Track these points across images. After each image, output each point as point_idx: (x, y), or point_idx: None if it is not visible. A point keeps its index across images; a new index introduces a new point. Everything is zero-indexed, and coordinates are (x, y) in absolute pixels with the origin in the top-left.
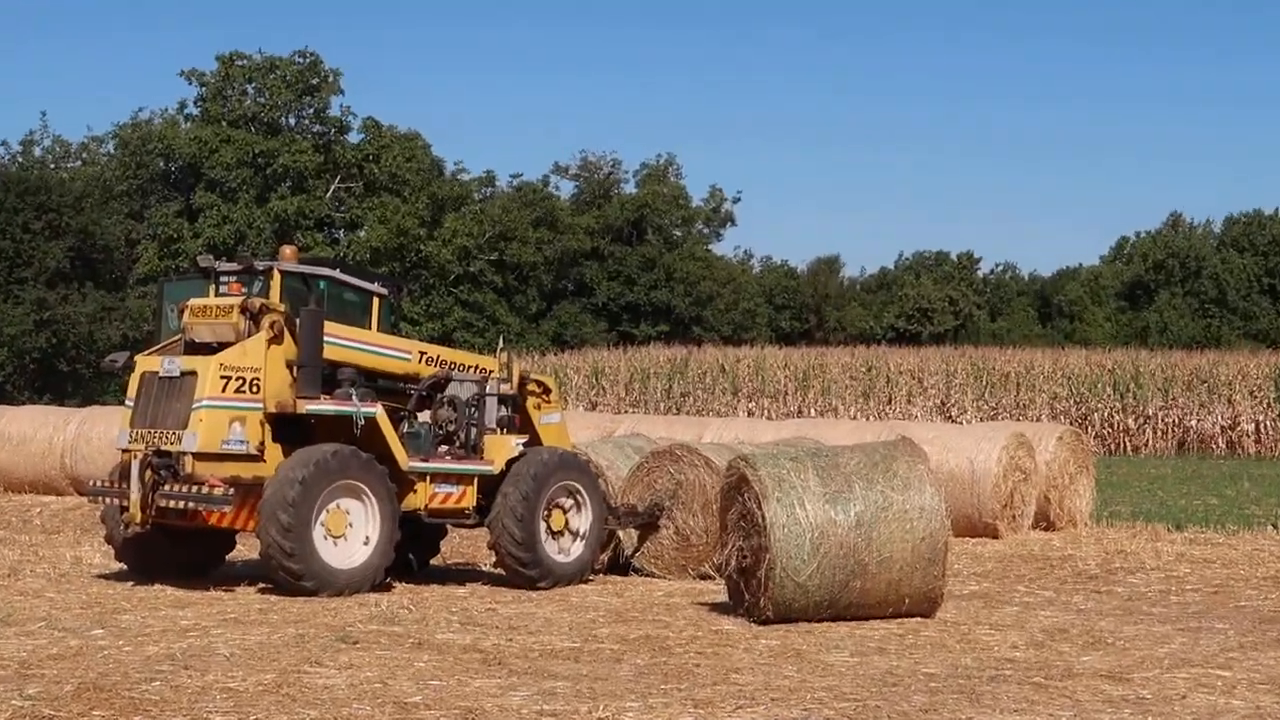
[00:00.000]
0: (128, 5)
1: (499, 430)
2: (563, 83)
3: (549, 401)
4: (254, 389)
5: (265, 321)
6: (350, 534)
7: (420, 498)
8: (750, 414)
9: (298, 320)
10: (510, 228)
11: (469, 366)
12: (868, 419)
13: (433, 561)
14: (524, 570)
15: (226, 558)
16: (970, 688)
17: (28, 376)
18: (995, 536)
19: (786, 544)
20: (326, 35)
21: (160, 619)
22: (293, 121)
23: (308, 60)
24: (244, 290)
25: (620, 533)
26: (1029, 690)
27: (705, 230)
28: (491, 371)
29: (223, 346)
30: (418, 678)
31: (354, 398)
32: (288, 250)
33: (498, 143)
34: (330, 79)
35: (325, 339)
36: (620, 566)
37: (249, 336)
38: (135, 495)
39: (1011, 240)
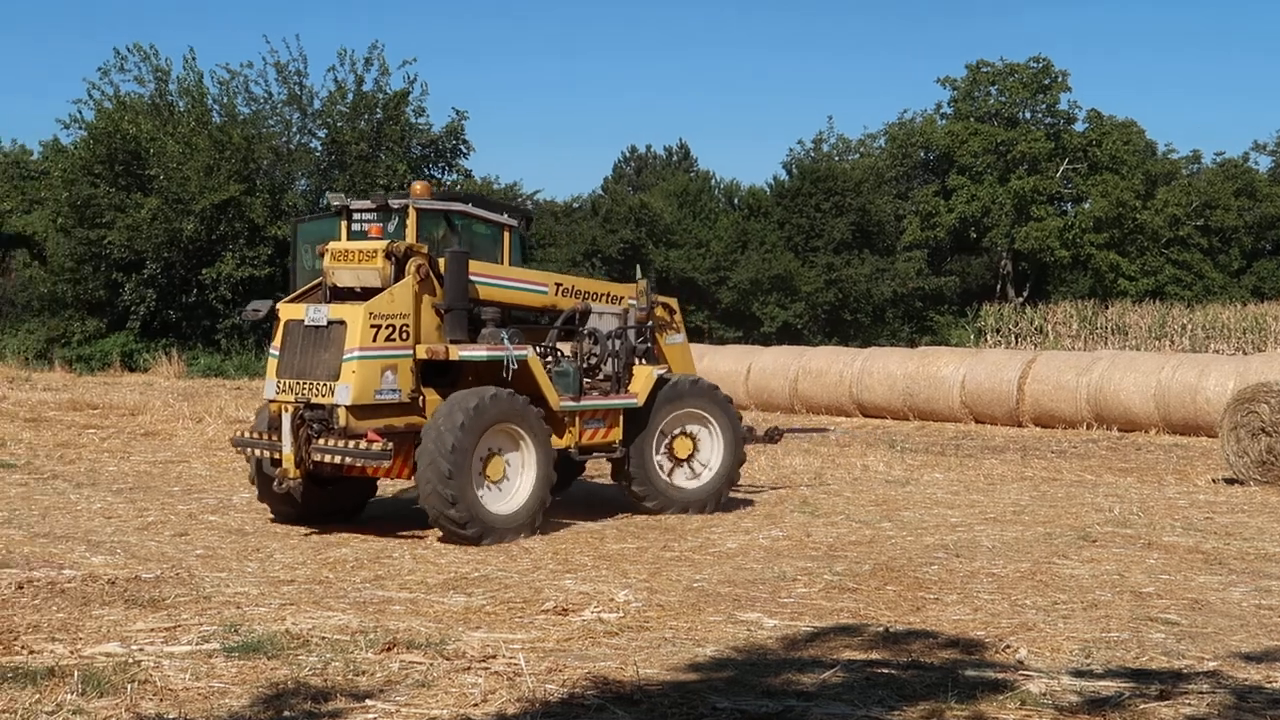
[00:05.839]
0: (901, 20)
1: (640, 360)
2: (1264, 64)
3: (673, 324)
4: (404, 336)
5: (411, 265)
6: (508, 478)
7: (572, 436)
8: None
9: (441, 261)
10: (1214, 197)
11: (603, 295)
12: None
13: None
14: (640, 497)
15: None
16: None
17: (820, 323)
18: None
19: None
20: (1057, 42)
21: (934, 516)
22: (1028, 115)
23: (1041, 65)
24: (384, 231)
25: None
26: None
27: None
28: (630, 300)
29: (367, 292)
30: (1149, 572)
31: (505, 340)
32: (418, 186)
33: (1202, 124)
34: (1060, 79)
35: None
36: None
37: (395, 281)
38: (289, 450)
39: None
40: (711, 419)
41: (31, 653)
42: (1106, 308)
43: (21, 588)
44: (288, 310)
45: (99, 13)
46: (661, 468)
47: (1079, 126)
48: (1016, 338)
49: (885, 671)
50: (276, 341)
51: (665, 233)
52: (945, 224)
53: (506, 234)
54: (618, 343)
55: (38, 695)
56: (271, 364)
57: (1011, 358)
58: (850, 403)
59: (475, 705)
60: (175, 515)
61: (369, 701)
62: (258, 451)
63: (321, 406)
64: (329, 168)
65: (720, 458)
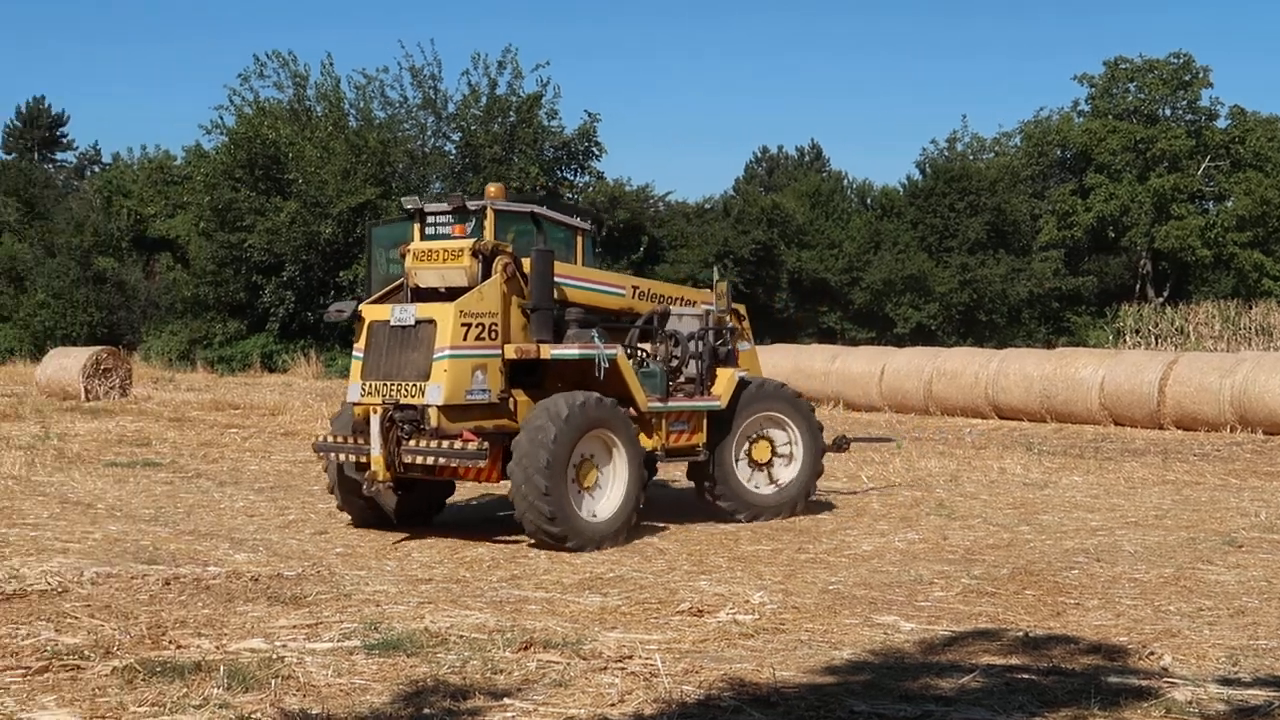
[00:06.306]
0: (1037, 18)
1: (721, 362)
2: None
3: (742, 331)
4: (492, 335)
5: (498, 264)
6: (599, 483)
7: (658, 438)
8: None
9: (525, 261)
10: None
11: (678, 299)
12: None
13: None
14: (720, 501)
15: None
16: None
17: (954, 324)
18: None
19: None
20: (1198, 37)
21: (1073, 520)
22: (1168, 112)
23: (1181, 61)
24: (466, 232)
25: None
26: None
27: None
28: (704, 304)
29: (452, 291)
30: None
31: (596, 339)
32: (492, 188)
33: None
34: (1201, 75)
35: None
36: None
37: (482, 280)
38: (378, 452)
39: None
40: (791, 423)
41: (179, 648)
42: (1250, 308)
43: (168, 584)
44: (372, 311)
45: (240, 20)
46: (741, 472)
47: (1221, 123)
48: (1156, 339)
49: (1025, 677)
50: (360, 343)
51: (797, 233)
52: (1083, 223)
53: (579, 237)
54: (700, 344)
55: (185, 689)
56: (356, 366)
57: (1152, 359)
58: (986, 404)
59: (612, 705)
60: (315, 514)
61: (507, 700)
62: (339, 455)
63: (412, 407)
64: (463, 170)
65: (799, 463)
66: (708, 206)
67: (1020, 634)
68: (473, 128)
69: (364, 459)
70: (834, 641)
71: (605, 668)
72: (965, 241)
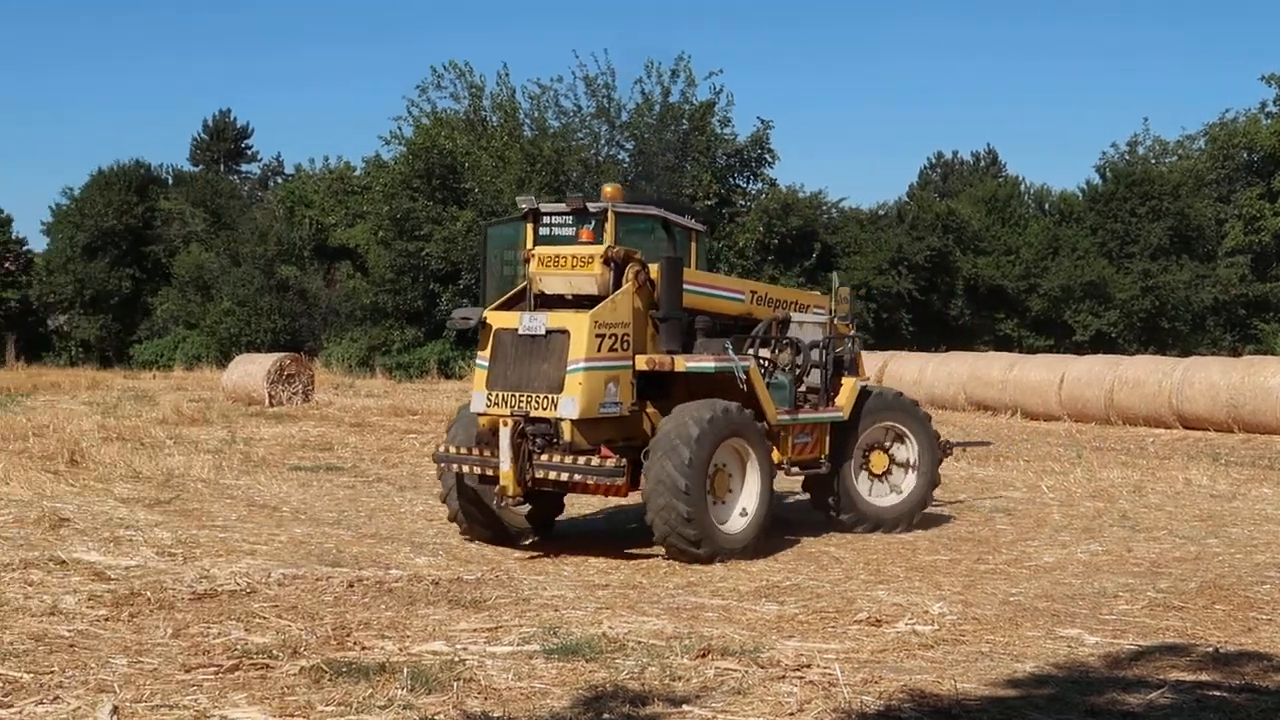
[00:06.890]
0: (1222, 18)
1: (845, 371)
2: None
3: (852, 333)
4: (624, 346)
5: (630, 272)
6: (731, 495)
7: (785, 451)
8: None
9: (652, 267)
10: None
11: (793, 304)
12: None
13: None
14: (838, 513)
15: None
16: None
17: (1135, 331)
18: None
19: None
20: None
21: (1264, 533)
22: None
23: None
24: (594, 236)
25: None
26: None
27: None
28: (817, 309)
29: (580, 299)
30: None
31: (730, 350)
32: (609, 189)
33: None
34: None
35: None
36: None
37: (614, 288)
38: (508, 466)
39: None
40: (909, 434)
41: (364, 649)
42: None
43: (352, 586)
44: (498, 318)
45: (417, 32)
46: (860, 483)
47: None
48: None
49: (1217, 694)
50: (485, 352)
51: (973, 239)
52: (1271, 228)
53: (694, 240)
54: (824, 353)
55: (370, 690)
56: (479, 375)
57: None
58: (1170, 414)
59: (791, 714)
60: None
61: (686, 707)
62: (460, 467)
63: (544, 420)
64: (636, 178)
65: (917, 474)
66: (881, 213)
67: (1210, 649)
68: (646, 136)
69: (489, 471)
70: (1016, 654)
71: (783, 676)
72: (1147, 247)
